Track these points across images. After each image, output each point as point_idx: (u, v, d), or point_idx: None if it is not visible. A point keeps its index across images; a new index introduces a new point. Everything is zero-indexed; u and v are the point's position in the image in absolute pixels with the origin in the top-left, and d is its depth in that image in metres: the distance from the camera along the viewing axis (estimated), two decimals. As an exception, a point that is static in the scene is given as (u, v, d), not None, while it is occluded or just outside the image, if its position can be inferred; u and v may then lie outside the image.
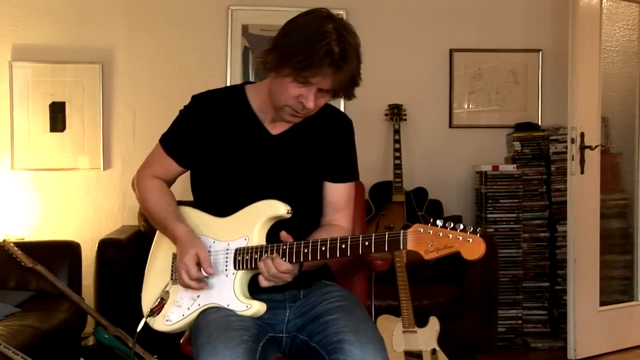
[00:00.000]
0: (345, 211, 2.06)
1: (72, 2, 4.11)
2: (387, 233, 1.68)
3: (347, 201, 2.07)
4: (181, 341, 2.06)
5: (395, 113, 4.18)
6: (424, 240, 1.63)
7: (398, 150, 4.08)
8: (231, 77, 4.17)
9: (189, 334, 2.01)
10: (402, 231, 1.66)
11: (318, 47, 1.73)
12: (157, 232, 2.11)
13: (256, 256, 1.82)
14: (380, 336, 1.77)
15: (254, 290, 1.88)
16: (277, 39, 1.83)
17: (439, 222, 1.63)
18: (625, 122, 4.14)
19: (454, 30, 4.32)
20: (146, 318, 1.97)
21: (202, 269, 1.86)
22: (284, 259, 1.77)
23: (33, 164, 4.05)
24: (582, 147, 3.65)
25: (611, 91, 3.99)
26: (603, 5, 3.78)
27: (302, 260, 1.78)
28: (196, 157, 2.01)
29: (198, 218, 2.00)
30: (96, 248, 3.43)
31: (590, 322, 3.70)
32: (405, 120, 4.21)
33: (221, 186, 1.98)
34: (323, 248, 1.75)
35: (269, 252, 1.80)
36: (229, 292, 1.86)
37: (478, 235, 1.59)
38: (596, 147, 3.70)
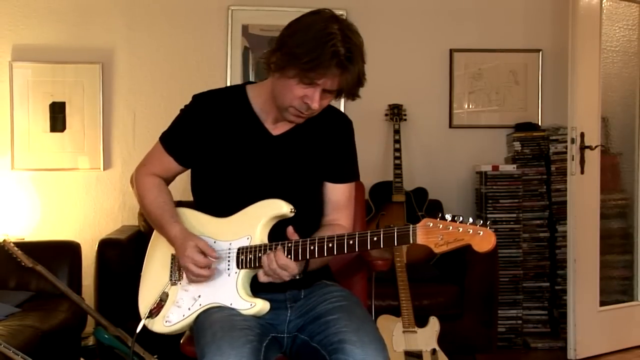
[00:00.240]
0: (346, 211, 2.07)
1: (72, 2, 4.11)
2: (395, 227, 1.68)
3: (347, 201, 2.08)
4: (181, 341, 2.06)
5: (396, 113, 4.18)
6: (433, 234, 1.63)
7: (398, 150, 4.08)
8: (231, 77, 4.17)
9: (189, 334, 2.01)
10: (411, 225, 1.66)
11: (325, 48, 1.74)
12: (154, 233, 2.11)
13: (259, 255, 1.82)
14: (381, 336, 1.77)
15: (256, 290, 1.89)
16: (281, 40, 1.83)
17: (448, 216, 1.63)
18: (625, 122, 4.14)
19: (454, 30, 4.32)
20: (144, 319, 1.97)
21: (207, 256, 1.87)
22: (289, 256, 1.78)
23: (33, 164, 4.05)
24: (582, 147, 3.65)
25: (611, 91, 3.99)
26: (603, 6, 3.77)
27: (308, 257, 1.78)
28: (196, 156, 2.01)
29: (197, 219, 2.00)
30: (96, 248, 3.43)
31: (590, 322, 3.70)
32: (405, 120, 4.21)
33: (221, 186, 1.98)
34: (330, 245, 1.76)
35: (273, 249, 1.80)
36: (232, 291, 1.86)
37: (488, 227, 1.60)
38: (596, 147, 3.70)
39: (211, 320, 1.80)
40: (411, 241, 1.66)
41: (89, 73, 4.10)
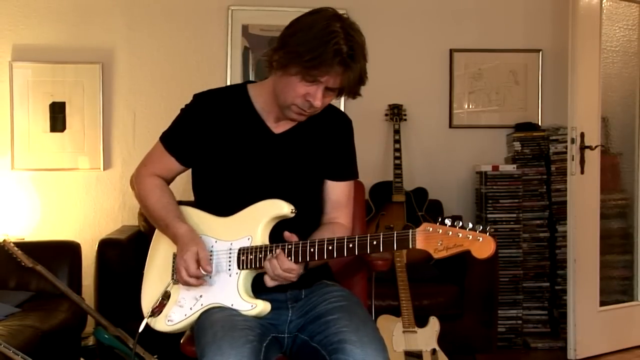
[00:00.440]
0: (345, 209, 2.08)
1: (72, 2, 4.11)
2: (395, 232, 1.68)
3: (347, 199, 2.08)
4: (181, 341, 2.06)
5: (396, 113, 4.18)
6: (433, 239, 1.63)
7: (398, 150, 4.08)
8: (231, 77, 4.17)
9: (189, 333, 2.01)
10: (410, 230, 1.66)
11: (327, 46, 1.75)
12: (156, 232, 2.11)
13: (260, 256, 1.82)
14: (381, 336, 1.77)
15: (256, 290, 1.89)
16: (283, 38, 1.83)
17: (447, 221, 1.63)
18: (625, 122, 4.13)
19: (454, 30, 4.32)
20: (147, 319, 1.97)
21: (200, 268, 1.86)
22: (289, 258, 1.78)
23: (33, 164, 4.05)
24: (582, 147, 3.65)
25: (611, 91, 3.99)
26: (603, 6, 3.77)
27: (308, 259, 1.78)
28: (197, 155, 2.01)
29: (199, 218, 2.00)
30: (96, 248, 3.43)
31: (590, 322, 3.70)
32: (405, 120, 4.21)
33: (223, 185, 1.98)
34: (330, 247, 1.76)
35: (273, 251, 1.80)
36: (233, 292, 1.86)
37: (487, 234, 1.59)
38: (596, 147, 3.70)
39: (212, 320, 1.80)
40: (410, 246, 1.66)
41: (89, 73, 4.10)
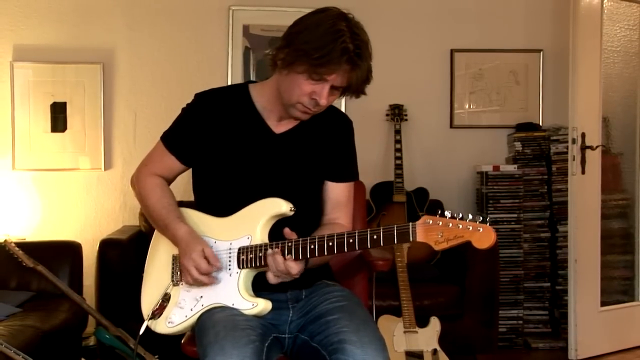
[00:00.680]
0: (345, 210, 2.08)
1: (73, 2, 4.12)
2: (395, 225, 1.68)
3: (347, 200, 2.09)
4: (182, 341, 2.06)
5: (396, 113, 4.18)
6: (433, 231, 1.63)
7: (399, 150, 4.08)
8: (232, 78, 4.17)
9: (191, 334, 2.00)
10: (410, 223, 1.66)
11: (335, 45, 1.75)
12: (155, 234, 2.11)
13: (260, 254, 1.82)
14: (381, 336, 1.77)
15: (257, 290, 1.89)
16: (289, 36, 1.84)
17: (447, 214, 1.64)
18: (626, 123, 4.13)
19: (454, 30, 4.32)
20: (147, 321, 1.97)
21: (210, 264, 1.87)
22: (289, 255, 1.78)
23: (34, 164, 4.06)
24: (583, 148, 3.65)
25: (612, 91, 3.98)
26: (604, 6, 3.77)
27: (308, 256, 1.78)
28: (198, 154, 2.01)
29: (198, 219, 2.00)
30: (97, 248, 3.43)
31: (591, 322, 3.70)
32: (406, 120, 4.21)
33: (224, 184, 1.98)
34: (330, 243, 1.76)
35: (273, 249, 1.80)
36: (234, 291, 1.86)
37: (487, 224, 1.60)
38: (597, 147, 3.70)
39: (213, 320, 1.80)
40: (411, 239, 1.66)
41: (89, 73, 4.10)
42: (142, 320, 1.98)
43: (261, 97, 2.01)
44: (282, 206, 1.86)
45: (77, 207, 4.11)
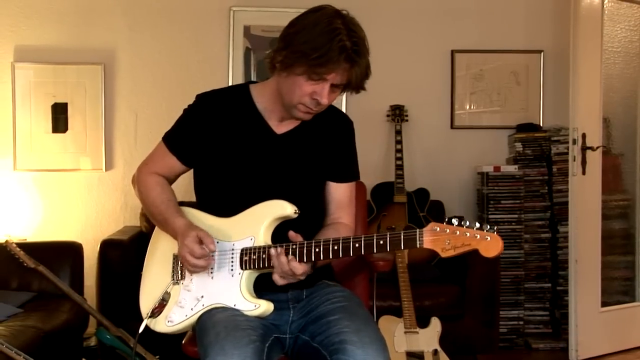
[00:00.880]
0: (348, 209, 2.09)
1: (74, 3, 4.12)
2: (402, 232, 1.68)
3: (349, 200, 2.09)
4: (183, 341, 2.06)
5: (397, 114, 4.18)
6: (440, 239, 1.64)
7: (400, 151, 4.08)
8: (233, 78, 4.18)
9: (191, 334, 2.01)
10: (418, 230, 1.66)
11: (332, 44, 1.75)
12: (154, 232, 2.11)
13: (264, 256, 1.83)
14: (382, 337, 1.77)
15: (258, 290, 1.89)
16: (286, 38, 1.84)
17: (454, 221, 1.64)
18: (626, 123, 4.13)
19: (455, 31, 4.32)
20: (146, 319, 1.97)
21: (204, 246, 1.86)
22: (294, 257, 1.78)
23: (35, 165, 4.06)
24: (584, 148, 3.65)
25: (612, 92, 3.98)
26: (605, 6, 3.77)
27: (313, 259, 1.78)
28: (200, 155, 2.01)
29: (200, 218, 2.00)
30: (98, 248, 3.44)
31: (591, 323, 3.70)
32: (406, 121, 4.22)
33: (225, 185, 1.98)
34: (335, 247, 1.76)
35: (278, 252, 1.81)
36: (236, 292, 1.86)
37: (495, 233, 1.60)
38: (597, 148, 3.70)
39: (214, 320, 1.80)
40: (418, 245, 1.66)
41: (90, 74, 4.10)
42: (142, 320, 1.98)
43: (262, 97, 2.01)
44: (286, 208, 1.86)
45: (78, 207, 4.12)
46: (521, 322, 3.97)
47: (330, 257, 1.77)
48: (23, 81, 4.06)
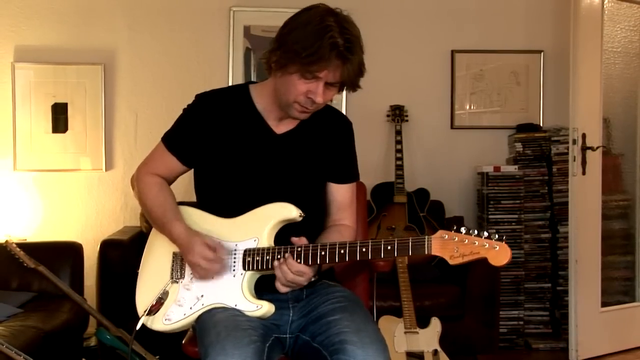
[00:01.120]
0: (349, 210, 2.09)
1: (74, 3, 4.12)
2: (410, 238, 1.70)
3: (350, 201, 2.10)
4: (183, 341, 2.06)
5: (397, 114, 4.18)
6: (449, 247, 1.66)
7: (400, 151, 4.08)
8: (233, 78, 4.18)
9: (192, 334, 2.01)
10: (426, 237, 1.68)
11: (323, 41, 1.75)
12: (152, 231, 2.11)
13: (267, 257, 1.83)
14: (382, 337, 1.77)
15: (258, 290, 1.89)
16: (279, 38, 1.84)
17: (463, 229, 1.66)
18: (626, 123, 4.13)
19: (455, 31, 4.32)
20: (143, 317, 1.96)
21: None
22: (298, 261, 1.78)
23: (35, 165, 4.06)
24: (584, 148, 3.65)
25: (612, 92, 3.98)
26: (605, 7, 3.77)
27: (319, 262, 1.78)
28: (199, 155, 2.01)
29: (202, 218, 2.00)
30: (98, 249, 3.44)
31: (591, 323, 3.70)
32: (406, 121, 4.22)
33: (225, 185, 1.99)
34: (342, 251, 1.77)
35: (282, 253, 1.81)
36: (237, 293, 1.86)
37: (504, 242, 1.62)
38: (597, 148, 3.70)
39: (215, 320, 1.80)
40: (426, 252, 1.68)
41: (91, 74, 4.10)
42: (139, 318, 1.98)
43: (261, 97, 2.01)
44: (292, 212, 1.87)
45: (78, 207, 4.12)
46: (521, 322, 3.97)
47: (337, 260, 1.78)
48: (23, 81, 4.06)
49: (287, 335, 1.93)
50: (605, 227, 3.84)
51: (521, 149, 4.13)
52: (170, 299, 1.96)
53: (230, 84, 4.12)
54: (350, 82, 1.86)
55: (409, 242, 1.70)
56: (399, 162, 4.05)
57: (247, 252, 1.87)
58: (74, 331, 3.26)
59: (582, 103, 3.64)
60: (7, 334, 2.66)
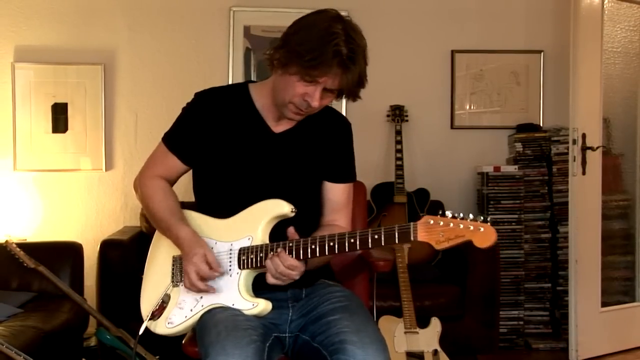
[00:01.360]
0: (344, 211, 2.09)
1: (74, 3, 4.12)
2: (397, 225, 1.68)
3: (346, 201, 2.09)
4: (183, 342, 2.06)
5: (397, 114, 4.18)
6: (434, 231, 1.64)
7: (400, 151, 4.08)
8: (233, 78, 4.18)
9: (191, 334, 2.01)
10: (412, 223, 1.66)
11: (327, 47, 1.75)
12: (155, 235, 2.11)
13: (261, 255, 1.83)
14: (382, 337, 1.77)
15: (257, 289, 1.89)
16: (285, 37, 1.84)
17: (448, 213, 1.64)
18: (626, 123, 4.14)
19: (455, 31, 4.32)
20: (147, 321, 1.97)
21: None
22: (290, 255, 1.78)
23: (35, 165, 4.06)
24: (584, 148, 3.65)
25: (612, 92, 3.99)
26: (605, 7, 3.77)
27: (309, 256, 1.78)
28: (199, 153, 2.01)
29: (200, 220, 2.00)
30: (98, 249, 3.44)
31: (591, 323, 3.70)
32: (406, 121, 4.22)
33: (223, 184, 1.99)
34: (331, 243, 1.76)
35: (274, 249, 1.81)
36: (234, 292, 1.87)
37: (489, 224, 1.60)
38: (597, 148, 3.70)
39: (215, 320, 1.81)
40: (412, 238, 1.66)
41: (91, 74, 4.10)
42: (143, 321, 1.99)
43: (260, 96, 2.02)
44: (283, 207, 1.87)
45: (78, 207, 4.12)
46: (521, 322, 3.97)
47: (327, 253, 1.77)
48: (23, 81, 4.06)
49: (287, 335, 1.93)
50: (605, 227, 3.84)
51: (521, 149, 4.13)
52: (172, 302, 1.97)
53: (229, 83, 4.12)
54: (349, 91, 1.86)
55: (395, 230, 1.68)
56: (399, 162, 4.05)
57: (241, 251, 1.88)
58: (74, 331, 3.26)
59: (582, 103, 3.64)
60: (7, 334, 2.66)
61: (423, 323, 3.31)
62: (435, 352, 3.21)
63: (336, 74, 1.80)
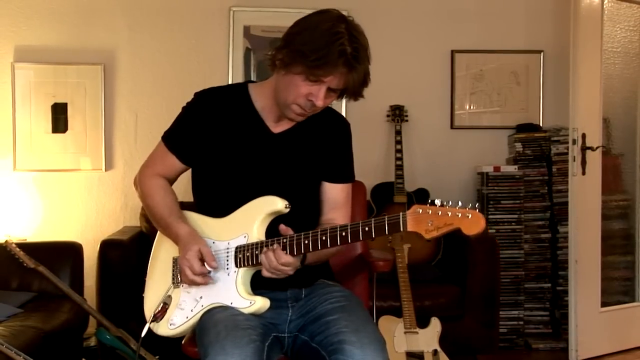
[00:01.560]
0: (342, 211, 2.08)
1: (74, 3, 4.12)
2: (386, 216, 1.68)
3: (344, 201, 2.09)
4: (183, 342, 2.06)
5: (397, 114, 4.18)
6: (423, 220, 1.63)
7: (399, 151, 4.08)
8: (233, 79, 4.18)
9: (191, 334, 2.01)
10: (401, 213, 1.66)
11: (332, 47, 1.76)
12: (157, 237, 2.12)
13: (257, 252, 1.83)
14: (381, 337, 1.77)
15: (257, 288, 1.89)
16: (288, 37, 1.84)
17: (437, 202, 1.64)
18: (626, 123, 4.14)
19: (455, 31, 4.32)
20: (150, 324, 1.97)
21: (205, 264, 1.87)
22: (284, 251, 1.78)
23: (35, 165, 4.06)
24: (584, 148, 3.65)
25: (612, 92, 3.99)
26: (604, 7, 3.77)
27: (303, 251, 1.78)
28: (198, 153, 2.02)
29: (198, 220, 2.01)
30: (98, 249, 3.44)
31: (591, 323, 3.70)
32: (406, 121, 4.22)
33: (222, 183, 1.99)
34: (324, 237, 1.76)
35: (269, 245, 1.81)
36: (232, 290, 1.87)
37: (477, 210, 1.60)
38: (597, 148, 3.70)
39: (214, 320, 1.81)
40: (402, 229, 1.65)
41: (90, 74, 4.10)
42: (143, 321, 1.99)
43: (260, 96, 2.02)
44: (277, 204, 1.87)
45: (78, 207, 4.12)
46: (521, 322, 3.97)
47: (320, 247, 1.76)
48: (23, 81, 4.06)
49: (286, 335, 1.93)
50: (605, 227, 3.84)
51: (521, 149, 4.13)
52: (173, 303, 1.97)
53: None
54: (353, 90, 1.87)
55: (385, 222, 1.67)
56: (398, 162, 4.05)
57: (238, 249, 1.88)
58: (74, 331, 3.26)
59: (582, 103, 3.64)
60: (7, 334, 2.66)
61: (423, 323, 3.31)
62: (435, 352, 3.21)
63: (341, 74, 1.80)
